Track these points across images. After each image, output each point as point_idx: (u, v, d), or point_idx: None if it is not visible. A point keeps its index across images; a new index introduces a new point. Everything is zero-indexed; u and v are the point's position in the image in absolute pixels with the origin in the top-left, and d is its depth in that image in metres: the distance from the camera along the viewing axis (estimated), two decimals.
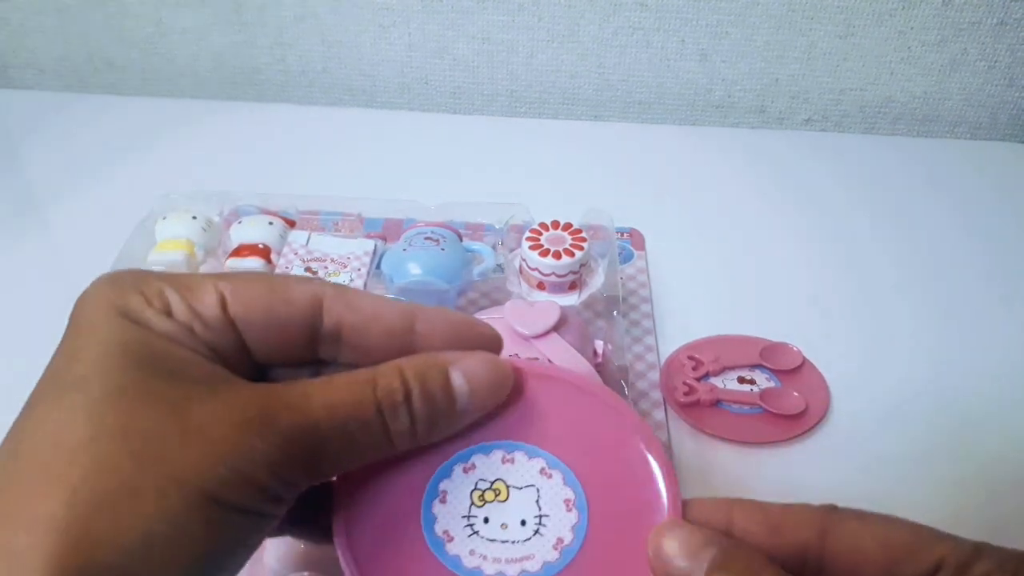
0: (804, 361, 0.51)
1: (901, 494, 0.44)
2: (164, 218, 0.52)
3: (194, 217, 0.52)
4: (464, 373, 0.23)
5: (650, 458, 0.25)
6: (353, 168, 0.70)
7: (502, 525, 0.24)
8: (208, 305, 0.22)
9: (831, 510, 0.24)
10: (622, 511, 0.25)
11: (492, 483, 0.25)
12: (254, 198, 0.56)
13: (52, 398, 0.20)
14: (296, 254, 0.50)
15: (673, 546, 0.23)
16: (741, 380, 0.50)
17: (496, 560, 0.24)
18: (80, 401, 0.20)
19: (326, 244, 0.51)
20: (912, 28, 0.72)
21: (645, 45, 0.75)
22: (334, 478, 0.25)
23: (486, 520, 0.25)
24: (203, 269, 0.51)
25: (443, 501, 0.25)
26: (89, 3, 0.78)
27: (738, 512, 0.24)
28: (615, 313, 0.50)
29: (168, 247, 0.51)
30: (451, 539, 0.24)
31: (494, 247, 0.53)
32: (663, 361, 0.51)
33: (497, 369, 0.24)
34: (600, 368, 0.45)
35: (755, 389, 0.49)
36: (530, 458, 0.25)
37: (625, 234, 0.62)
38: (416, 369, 0.23)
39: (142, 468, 0.18)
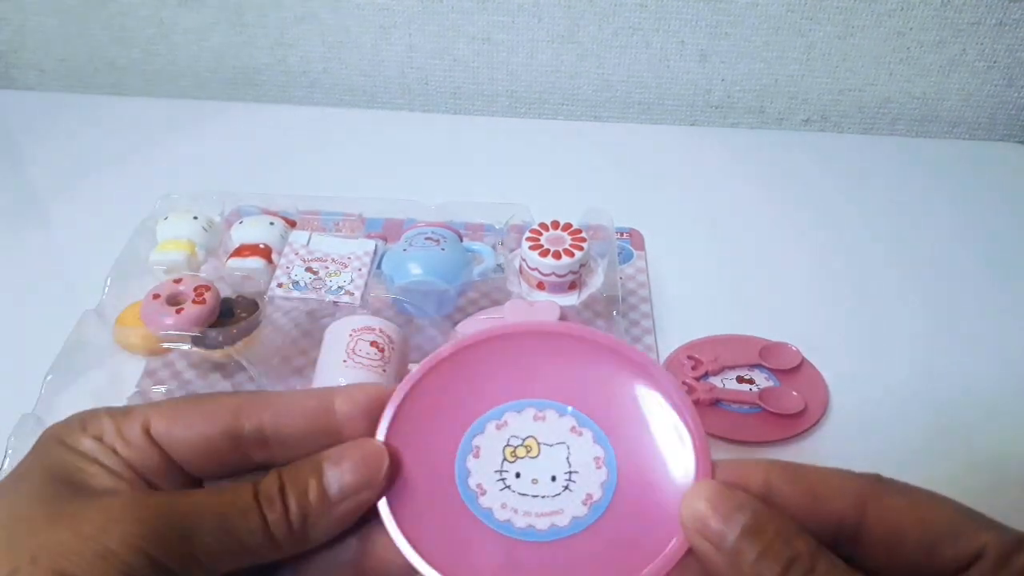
0: (803, 361, 0.51)
1: None
2: (165, 218, 0.53)
3: (195, 217, 0.52)
4: (336, 464, 0.25)
5: (679, 418, 0.25)
6: (354, 168, 0.70)
7: (533, 480, 0.25)
8: (132, 427, 0.25)
9: (875, 481, 0.24)
10: (650, 469, 0.25)
11: (524, 440, 0.26)
12: (255, 198, 0.56)
13: None
14: (297, 254, 0.50)
15: (707, 507, 0.23)
16: (740, 380, 0.50)
17: (527, 514, 0.25)
18: None
19: (327, 244, 0.51)
20: (911, 29, 0.72)
21: (645, 46, 0.75)
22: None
23: (517, 475, 0.25)
24: (204, 269, 0.52)
25: (476, 456, 0.26)
26: (91, 4, 0.78)
27: (776, 476, 0.24)
28: (615, 313, 0.50)
29: (169, 247, 0.51)
30: (484, 492, 0.25)
31: (494, 247, 0.54)
32: (662, 361, 0.51)
33: (366, 460, 0.25)
34: None
35: (754, 389, 0.49)
36: (561, 416, 0.26)
37: (625, 234, 0.62)
38: (291, 468, 0.25)
39: (7, 550, 0.22)
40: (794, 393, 0.49)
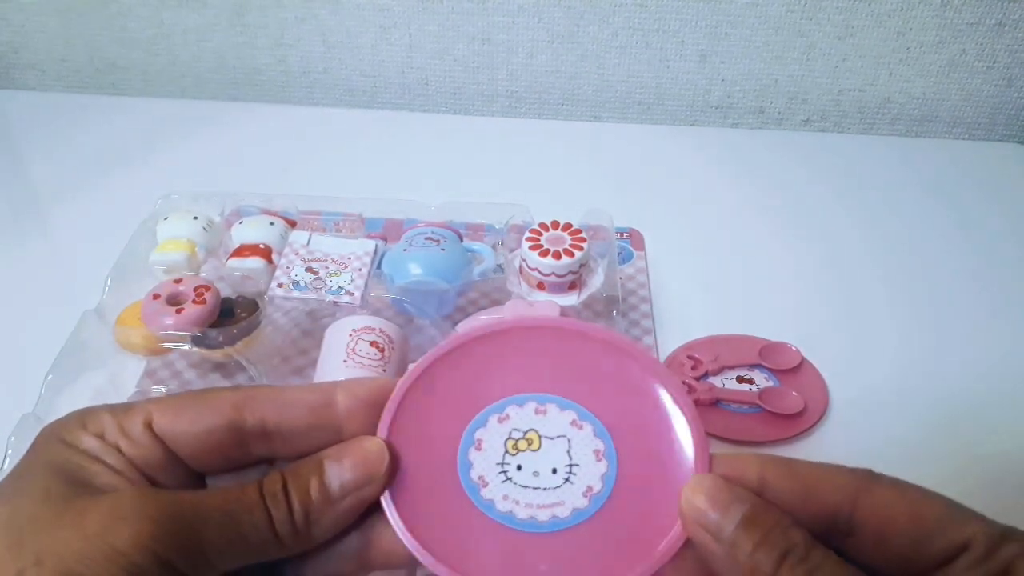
0: (803, 360, 0.51)
1: None
2: (166, 218, 0.53)
3: (195, 217, 0.53)
4: (337, 462, 0.25)
5: (679, 412, 0.26)
6: (354, 168, 0.70)
7: (534, 473, 0.26)
8: (135, 423, 0.25)
9: (867, 476, 0.24)
10: (650, 462, 0.26)
11: (525, 433, 0.26)
12: (255, 198, 0.56)
13: None
14: (297, 254, 0.50)
15: (706, 499, 0.24)
16: (740, 380, 0.50)
17: (528, 505, 0.25)
18: None
19: (327, 244, 0.51)
20: (911, 29, 0.72)
21: (645, 46, 0.75)
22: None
23: (519, 468, 0.26)
24: (204, 269, 0.52)
25: (478, 448, 0.26)
26: (91, 4, 0.78)
27: (770, 470, 0.24)
28: (614, 313, 0.50)
29: (169, 247, 0.51)
30: (485, 484, 0.26)
31: (494, 247, 0.54)
32: (662, 361, 0.51)
33: (367, 457, 0.25)
34: None
35: (754, 388, 0.49)
36: (562, 410, 0.26)
37: (624, 234, 0.62)
38: (293, 467, 0.26)
39: (12, 551, 0.22)
40: (794, 393, 0.49)
